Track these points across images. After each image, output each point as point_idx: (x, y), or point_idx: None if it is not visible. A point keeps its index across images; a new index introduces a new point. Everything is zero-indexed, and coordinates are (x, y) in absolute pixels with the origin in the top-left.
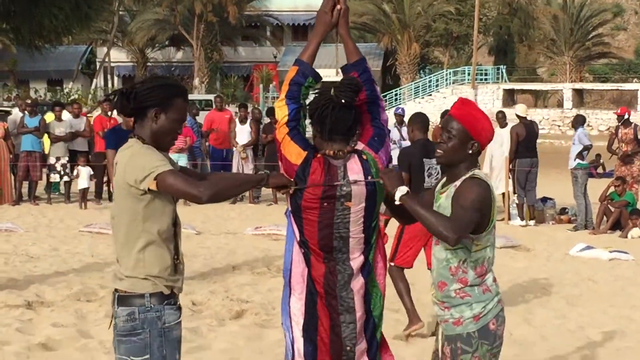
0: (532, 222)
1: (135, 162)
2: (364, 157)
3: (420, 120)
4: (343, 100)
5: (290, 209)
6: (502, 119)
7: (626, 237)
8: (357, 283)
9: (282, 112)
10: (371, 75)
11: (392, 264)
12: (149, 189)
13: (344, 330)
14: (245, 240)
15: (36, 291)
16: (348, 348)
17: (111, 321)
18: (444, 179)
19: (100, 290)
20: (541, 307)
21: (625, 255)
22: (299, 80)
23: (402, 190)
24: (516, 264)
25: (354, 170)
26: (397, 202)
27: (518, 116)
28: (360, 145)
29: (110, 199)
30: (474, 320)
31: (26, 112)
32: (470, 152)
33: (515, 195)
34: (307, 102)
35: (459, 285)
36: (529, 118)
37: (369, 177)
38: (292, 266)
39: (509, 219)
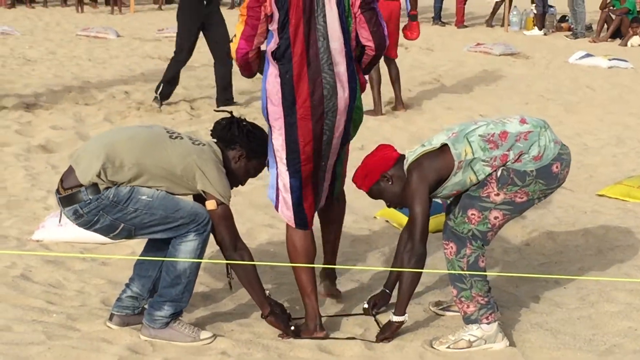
0: (540, 31)
1: (219, 174)
2: None
3: None
4: None
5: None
6: None
7: (626, 45)
8: (343, 97)
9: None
10: None
11: None
12: (205, 197)
13: (324, 148)
14: None
15: (34, 94)
16: (323, 163)
17: (60, 216)
18: None
19: (99, 93)
20: (539, 113)
21: (624, 63)
22: None
23: (395, 318)
24: (515, 71)
25: None
26: (407, 317)
27: None
28: None
29: (106, 2)
30: (533, 159)
31: None
32: (391, 182)
33: (534, 4)
34: None
35: (510, 157)
36: None
37: None
38: (268, 103)
39: (542, 27)
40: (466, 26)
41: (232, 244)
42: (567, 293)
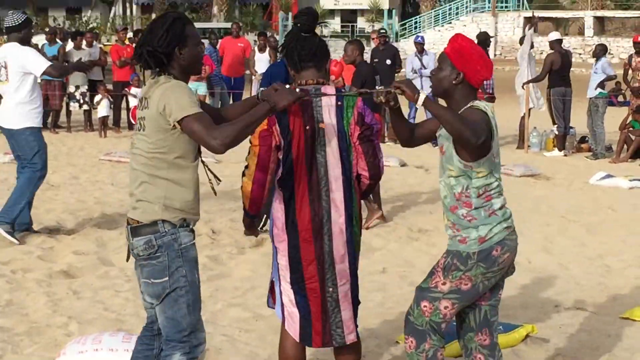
0: (560, 152)
1: (169, 98)
2: (343, 90)
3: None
4: (302, 32)
5: (281, 144)
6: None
7: None
8: (338, 222)
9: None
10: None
11: None
12: (174, 125)
13: (327, 272)
14: None
15: (57, 219)
16: (331, 289)
17: (128, 254)
18: None
19: (121, 218)
20: (560, 235)
21: None
22: None
23: (422, 95)
24: (536, 192)
25: (328, 90)
26: (419, 105)
27: (553, 43)
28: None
29: (130, 127)
30: (478, 241)
31: (46, 40)
32: (455, 82)
33: (555, 125)
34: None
35: (466, 209)
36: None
37: (339, 102)
38: (273, 226)
39: (562, 149)
40: None
41: (207, 136)
42: None
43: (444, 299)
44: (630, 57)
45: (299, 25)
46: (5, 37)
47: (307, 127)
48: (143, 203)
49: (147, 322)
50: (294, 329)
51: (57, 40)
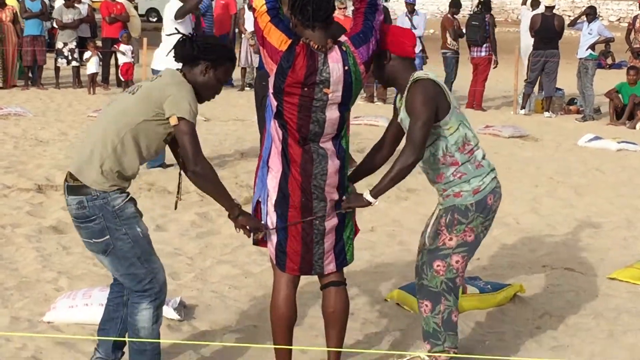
0: (547, 114)
1: (179, 93)
2: (343, 48)
3: None
4: None
5: (272, 90)
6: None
7: (634, 128)
8: (333, 164)
9: (259, 1)
10: None
11: None
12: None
13: (315, 206)
14: (253, 127)
15: (46, 175)
16: (317, 222)
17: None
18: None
19: None
20: (549, 196)
21: (633, 146)
22: None
23: (368, 196)
24: (524, 154)
25: (334, 58)
26: (376, 203)
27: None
28: (342, 38)
29: (118, 84)
30: (472, 193)
31: None
32: (385, 62)
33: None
34: None
35: (453, 168)
36: (555, 11)
37: (346, 67)
38: (273, 145)
39: (522, 107)
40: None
41: (193, 157)
42: None
43: (454, 254)
44: (635, 17)
45: None
46: None
47: (306, 89)
48: (87, 165)
49: None
50: (271, 251)
51: None
